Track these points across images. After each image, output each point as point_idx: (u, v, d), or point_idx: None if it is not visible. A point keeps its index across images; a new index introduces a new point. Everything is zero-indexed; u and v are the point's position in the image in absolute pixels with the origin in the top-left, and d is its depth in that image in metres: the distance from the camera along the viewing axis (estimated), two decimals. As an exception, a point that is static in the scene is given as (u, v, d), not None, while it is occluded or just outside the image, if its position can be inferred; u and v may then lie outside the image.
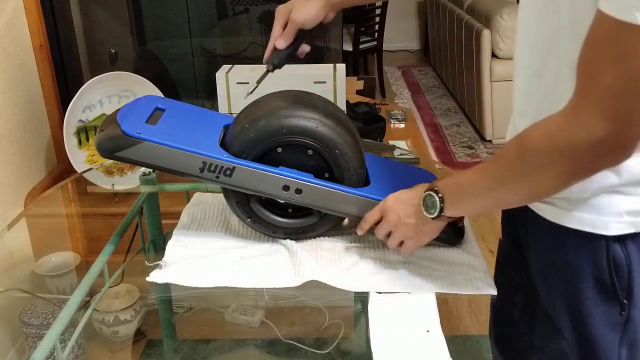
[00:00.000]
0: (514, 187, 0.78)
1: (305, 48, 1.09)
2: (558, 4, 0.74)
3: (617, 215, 0.78)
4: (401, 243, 0.97)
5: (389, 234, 0.98)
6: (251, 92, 1.08)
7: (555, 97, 0.75)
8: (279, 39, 1.05)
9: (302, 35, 1.06)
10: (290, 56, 1.07)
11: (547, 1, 0.76)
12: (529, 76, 0.83)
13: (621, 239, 0.78)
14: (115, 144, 0.95)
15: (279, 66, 1.07)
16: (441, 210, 0.87)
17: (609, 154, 0.68)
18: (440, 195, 0.87)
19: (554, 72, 0.78)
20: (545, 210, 0.84)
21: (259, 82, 1.08)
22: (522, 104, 0.86)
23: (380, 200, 0.99)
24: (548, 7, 0.76)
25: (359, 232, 1.01)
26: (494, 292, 0.96)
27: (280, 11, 1.05)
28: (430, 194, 0.88)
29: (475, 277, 0.99)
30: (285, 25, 1.05)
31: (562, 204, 0.80)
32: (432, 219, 0.89)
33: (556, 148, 0.70)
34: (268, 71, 1.07)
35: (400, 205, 0.94)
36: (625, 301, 0.80)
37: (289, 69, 2.34)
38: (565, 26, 0.74)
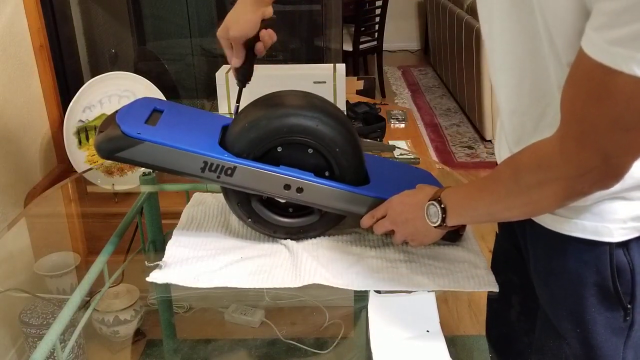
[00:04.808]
0: (509, 206, 0.80)
1: (267, 42, 1.10)
2: (537, 29, 0.74)
3: (620, 221, 0.77)
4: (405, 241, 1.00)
5: (387, 232, 1.00)
6: (237, 110, 1.10)
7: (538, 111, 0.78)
8: (233, 60, 1.08)
9: (251, 42, 1.08)
10: (251, 66, 1.11)
11: (524, 26, 0.76)
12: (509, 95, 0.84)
13: (624, 244, 0.78)
14: (115, 144, 0.95)
15: (247, 79, 1.11)
16: (443, 220, 0.89)
17: (598, 181, 0.70)
18: (442, 206, 0.89)
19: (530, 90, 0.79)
20: (544, 218, 0.84)
21: (238, 100, 1.11)
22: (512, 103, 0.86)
23: (380, 198, 1.00)
24: (525, 32, 0.76)
25: (362, 226, 1.03)
26: (496, 289, 0.97)
27: (221, 35, 1.07)
28: (433, 204, 0.90)
29: (476, 274, 0.99)
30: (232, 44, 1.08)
31: (563, 211, 0.80)
32: (435, 227, 0.91)
33: (546, 176, 0.72)
34: (240, 88, 1.12)
35: (405, 209, 0.96)
36: (629, 306, 0.80)
37: (289, 69, 2.34)
38: (543, 45, 0.74)
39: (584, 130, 0.67)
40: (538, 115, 0.79)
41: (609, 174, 0.69)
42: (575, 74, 0.67)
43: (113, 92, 1.93)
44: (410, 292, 0.96)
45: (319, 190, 1.00)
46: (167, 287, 0.99)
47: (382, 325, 0.89)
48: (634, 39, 0.58)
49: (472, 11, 3.90)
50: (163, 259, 1.02)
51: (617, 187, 0.73)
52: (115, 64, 2.52)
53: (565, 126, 0.70)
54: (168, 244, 1.06)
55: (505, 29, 0.78)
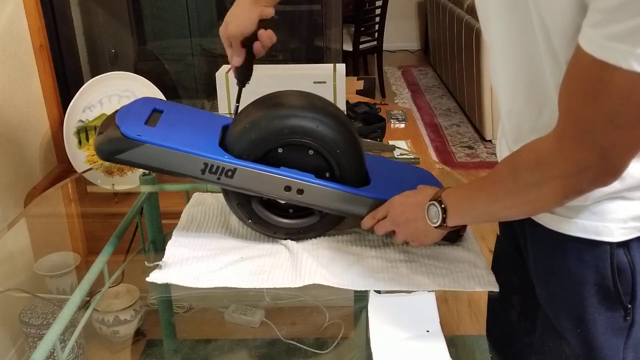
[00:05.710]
0: (508, 205, 0.80)
1: (266, 43, 1.11)
2: (532, 29, 0.73)
3: (621, 221, 0.77)
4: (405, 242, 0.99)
5: (387, 233, 1.00)
6: (237, 110, 1.10)
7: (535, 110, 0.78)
8: (233, 58, 1.11)
9: (248, 42, 1.09)
10: (250, 66, 1.13)
11: (519, 27, 0.75)
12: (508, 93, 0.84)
13: (625, 244, 0.78)
14: (115, 146, 0.95)
15: (247, 79, 1.13)
16: (443, 220, 0.89)
17: (596, 179, 0.70)
18: (443, 206, 0.88)
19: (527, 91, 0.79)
20: (544, 218, 0.84)
21: (238, 99, 1.13)
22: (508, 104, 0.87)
23: (381, 199, 1.00)
24: (521, 32, 0.76)
25: (363, 227, 1.02)
26: (496, 289, 0.97)
27: (222, 33, 1.09)
28: (433, 204, 0.90)
29: (477, 274, 0.99)
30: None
31: (563, 211, 0.80)
32: (435, 227, 0.91)
33: (544, 174, 0.72)
34: (240, 88, 1.14)
35: (405, 209, 0.96)
36: (629, 306, 0.80)
37: (289, 69, 2.34)
38: (539, 44, 0.74)
39: (582, 128, 0.67)
40: (534, 115, 0.79)
41: (607, 171, 0.69)
42: (572, 71, 0.67)
43: (113, 92, 1.93)
44: (410, 292, 0.96)
45: (320, 192, 1.00)
46: (167, 287, 0.99)
47: (382, 325, 0.89)
48: (632, 34, 0.58)
49: (472, 11, 3.89)
50: (163, 259, 1.02)
51: (617, 186, 0.74)
52: (115, 64, 2.52)
53: (563, 124, 0.69)
54: (168, 244, 1.06)
55: (502, 29, 0.78)
